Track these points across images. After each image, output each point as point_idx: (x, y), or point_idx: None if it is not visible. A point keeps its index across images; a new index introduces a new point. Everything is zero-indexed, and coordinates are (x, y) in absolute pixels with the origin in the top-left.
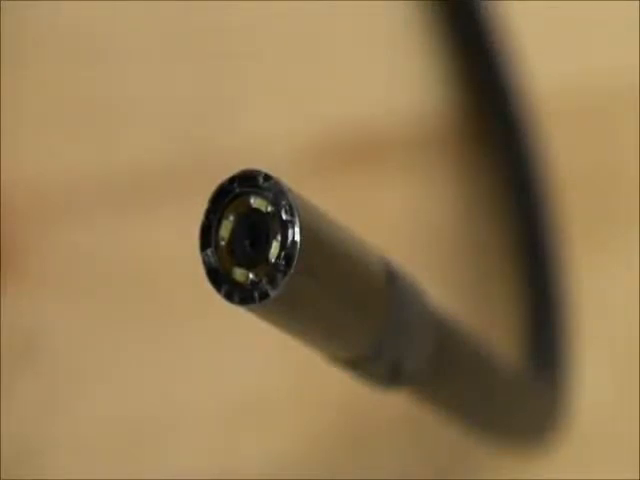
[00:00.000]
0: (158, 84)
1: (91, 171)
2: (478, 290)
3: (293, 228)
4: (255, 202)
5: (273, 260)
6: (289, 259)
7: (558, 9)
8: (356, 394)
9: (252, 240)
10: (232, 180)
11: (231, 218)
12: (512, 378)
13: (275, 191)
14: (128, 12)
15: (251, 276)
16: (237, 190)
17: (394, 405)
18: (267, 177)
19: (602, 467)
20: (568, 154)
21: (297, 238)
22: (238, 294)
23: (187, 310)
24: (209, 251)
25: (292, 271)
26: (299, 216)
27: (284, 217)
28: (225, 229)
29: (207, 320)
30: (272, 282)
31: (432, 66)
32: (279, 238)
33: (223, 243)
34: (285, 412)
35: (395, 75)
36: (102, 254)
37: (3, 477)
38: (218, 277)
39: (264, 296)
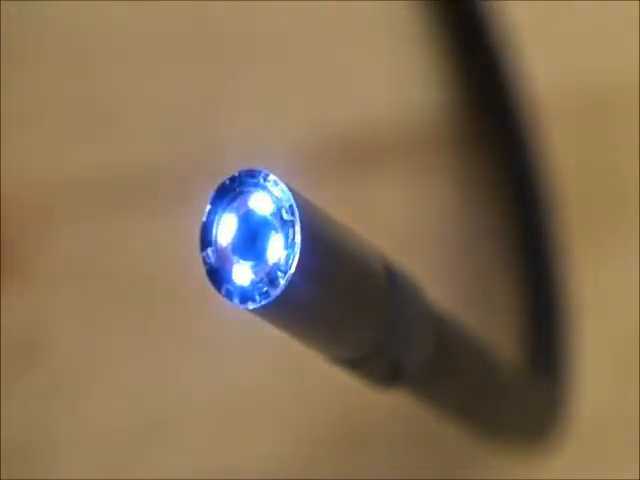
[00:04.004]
0: (158, 84)
1: (91, 171)
2: (478, 290)
3: (293, 228)
4: (255, 201)
5: (273, 260)
6: (289, 259)
7: (558, 9)
8: (356, 394)
9: (252, 240)
10: (232, 179)
11: (231, 218)
12: (512, 378)
13: (275, 190)
14: (128, 12)
15: (251, 276)
16: (237, 189)
17: (394, 405)
18: (267, 176)
19: (602, 467)
20: (568, 154)
21: (297, 238)
22: (238, 294)
23: (187, 310)
24: (209, 251)
25: (292, 271)
26: (299, 216)
27: (284, 217)
28: (225, 229)
29: (206, 320)
30: (272, 282)
31: (433, 67)
32: (279, 238)
33: (223, 243)
34: (285, 412)
35: (396, 76)
36: (102, 254)
37: (3, 477)
38: (218, 277)
39: (264, 296)
